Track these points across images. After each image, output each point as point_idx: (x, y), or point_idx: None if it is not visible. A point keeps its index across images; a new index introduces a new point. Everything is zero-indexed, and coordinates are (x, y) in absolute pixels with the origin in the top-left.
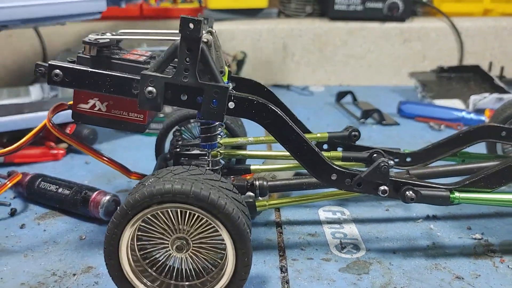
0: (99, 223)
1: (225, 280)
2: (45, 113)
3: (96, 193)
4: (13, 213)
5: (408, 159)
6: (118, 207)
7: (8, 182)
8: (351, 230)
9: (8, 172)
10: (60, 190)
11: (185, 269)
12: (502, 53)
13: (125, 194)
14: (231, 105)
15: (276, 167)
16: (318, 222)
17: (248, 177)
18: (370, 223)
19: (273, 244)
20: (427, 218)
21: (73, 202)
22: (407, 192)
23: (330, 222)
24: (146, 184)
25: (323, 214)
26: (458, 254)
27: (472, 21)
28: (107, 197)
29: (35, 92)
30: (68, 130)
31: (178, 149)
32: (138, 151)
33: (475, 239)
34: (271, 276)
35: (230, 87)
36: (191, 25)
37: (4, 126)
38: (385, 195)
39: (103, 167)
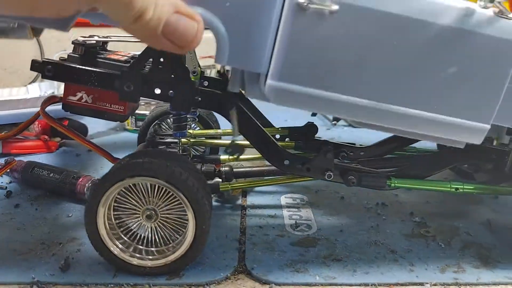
0: (84, 204)
1: (186, 245)
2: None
3: (82, 177)
4: (8, 195)
5: (362, 153)
6: (98, 181)
7: (5, 167)
8: (307, 213)
9: (5, 160)
10: (51, 175)
11: (154, 237)
12: None
13: None
14: (198, 98)
15: (244, 157)
16: (279, 207)
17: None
18: (325, 208)
19: (236, 223)
20: (377, 205)
21: (62, 186)
22: (350, 177)
23: (289, 206)
24: (122, 162)
25: (284, 200)
26: (397, 233)
27: None
28: (92, 180)
29: (33, 90)
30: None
31: (154, 138)
32: (126, 148)
33: (415, 222)
34: (230, 247)
35: (197, 84)
36: None
37: (4, 120)
38: (331, 178)
39: (92, 159)
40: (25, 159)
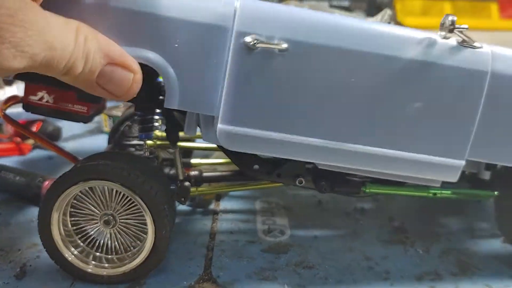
0: None
1: (146, 252)
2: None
3: (48, 180)
4: None
5: None
6: (52, 184)
7: None
8: (281, 218)
9: None
10: (17, 178)
11: (114, 244)
12: None
13: None
14: (162, 98)
15: (215, 161)
16: (253, 211)
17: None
18: (301, 213)
19: (206, 228)
20: (355, 209)
21: (27, 189)
22: (322, 183)
23: (264, 211)
24: (78, 165)
25: (259, 204)
26: (375, 239)
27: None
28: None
29: (11, 92)
30: (34, 127)
31: (120, 139)
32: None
33: (394, 227)
34: (198, 253)
35: (162, 82)
36: None
37: None
38: (302, 184)
39: (65, 162)
40: None
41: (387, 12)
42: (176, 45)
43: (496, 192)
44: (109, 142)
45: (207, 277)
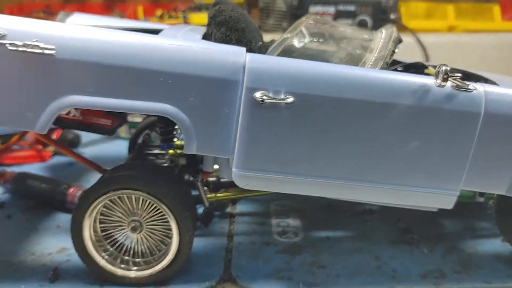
0: None
1: (171, 255)
2: None
3: (73, 187)
4: (1, 205)
5: None
6: (83, 193)
7: None
8: (294, 220)
9: None
10: (43, 185)
11: (141, 248)
12: (465, 65)
13: None
14: None
15: None
16: (268, 214)
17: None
18: (313, 215)
19: (224, 231)
20: (364, 211)
21: (53, 196)
22: None
23: (278, 213)
24: (107, 175)
25: (273, 207)
26: (383, 240)
27: (437, 37)
28: (82, 190)
29: None
30: (54, 135)
31: (142, 149)
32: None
33: (400, 228)
34: (217, 256)
35: None
36: None
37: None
38: None
39: (85, 168)
40: (19, 169)
41: (393, 31)
42: (191, 98)
43: (495, 195)
44: (129, 151)
45: (227, 277)
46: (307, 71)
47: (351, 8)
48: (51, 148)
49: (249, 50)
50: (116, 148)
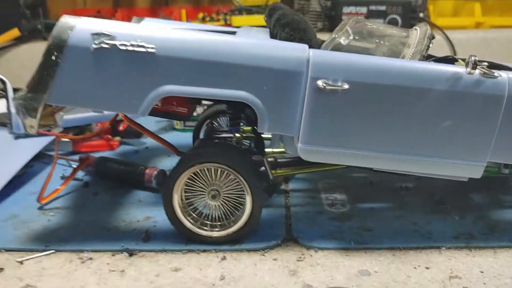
0: (151, 190)
1: (244, 218)
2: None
3: (149, 168)
4: (86, 185)
5: None
6: (174, 167)
7: (83, 162)
8: (341, 195)
9: (79, 157)
10: (121, 167)
11: (218, 213)
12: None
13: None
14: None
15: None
16: (317, 190)
17: None
18: (357, 191)
19: (281, 203)
20: (401, 188)
21: (131, 176)
22: None
23: (325, 190)
24: (191, 152)
25: (321, 185)
26: (419, 210)
27: (465, 33)
28: (157, 171)
29: None
30: (121, 126)
31: (211, 133)
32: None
33: (434, 201)
34: (279, 223)
35: None
36: None
37: (73, 122)
38: None
39: (149, 154)
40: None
41: (428, 28)
42: (265, 87)
43: None
44: (193, 138)
45: (289, 238)
46: (359, 63)
47: (382, 8)
48: (117, 138)
49: (310, 46)
50: (172, 137)
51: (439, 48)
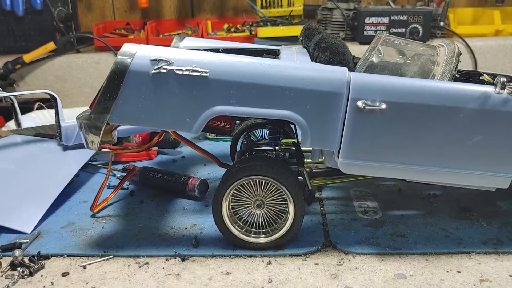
0: (193, 199)
1: (287, 226)
2: None
3: (191, 178)
4: (132, 193)
5: None
6: (221, 180)
7: (130, 173)
8: (372, 202)
9: (123, 166)
10: (165, 177)
11: (263, 221)
12: None
13: (207, 180)
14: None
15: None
16: (349, 198)
17: None
18: (387, 198)
19: (317, 211)
20: (429, 195)
21: (175, 185)
22: None
23: (357, 198)
24: (237, 166)
25: (353, 193)
26: (447, 216)
27: (484, 41)
28: (199, 180)
29: None
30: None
31: (251, 146)
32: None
33: (461, 207)
34: (317, 228)
35: None
36: None
37: (125, 132)
38: None
39: (186, 164)
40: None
41: (455, 46)
42: (308, 106)
43: None
44: (231, 149)
45: (328, 243)
46: (395, 84)
47: (404, 17)
48: (155, 148)
49: (349, 69)
50: (206, 147)
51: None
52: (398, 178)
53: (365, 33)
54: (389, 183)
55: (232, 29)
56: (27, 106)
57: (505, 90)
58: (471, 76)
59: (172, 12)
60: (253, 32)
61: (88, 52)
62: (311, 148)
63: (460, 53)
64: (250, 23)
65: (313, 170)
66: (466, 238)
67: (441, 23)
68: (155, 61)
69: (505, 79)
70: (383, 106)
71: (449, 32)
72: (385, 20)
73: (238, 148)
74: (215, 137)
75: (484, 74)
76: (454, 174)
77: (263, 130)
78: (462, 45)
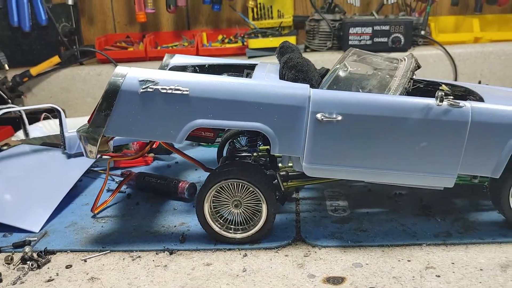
0: (183, 200)
1: (261, 223)
2: None
3: (182, 182)
4: (129, 196)
5: None
6: (204, 183)
7: (127, 177)
8: (343, 202)
9: (121, 172)
10: (158, 181)
11: (239, 219)
12: (490, 73)
13: (197, 183)
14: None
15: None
16: (323, 198)
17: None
18: (357, 198)
19: (292, 209)
20: (395, 194)
21: (167, 188)
22: None
23: (330, 197)
24: (217, 170)
25: (326, 193)
26: (408, 213)
27: (464, 48)
28: (188, 184)
29: None
30: (154, 144)
31: (233, 153)
32: (203, 159)
33: (422, 205)
34: (290, 224)
35: None
36: None
37: (120, 141)
38: None
39: (180, 169)
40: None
41: (412, 61)
42: (275, 118)
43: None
44: (218, 155)
45: (298, 238)
46: (349, 99)
47: (386, 27)
48: (151, 154)
49: (311, 86)
50: (198, 152)
51: (440, 62)
52: (354, 179)
53: (350, 42)
54: (360, 184)
55: (226, 40)
56: (34, 116)
57: (444, 102)
58: (433, 86)
59: (169, 24)
60: (245, 43)
61: (90, 64)
62: None
63: (417, 68)
64: (242, 35)
65: (289, 174)
66: (420, 232)
67: (422, 32)
68: (143, 81)
69: (443, 93)
70: (339, 117)
71: (430, 41)
72: (369, 30)
73: (224, 154)
74: (207, 144)
75: (443, 85)
76: (405, 176)
77: (245, 137)
78: (442, 52)
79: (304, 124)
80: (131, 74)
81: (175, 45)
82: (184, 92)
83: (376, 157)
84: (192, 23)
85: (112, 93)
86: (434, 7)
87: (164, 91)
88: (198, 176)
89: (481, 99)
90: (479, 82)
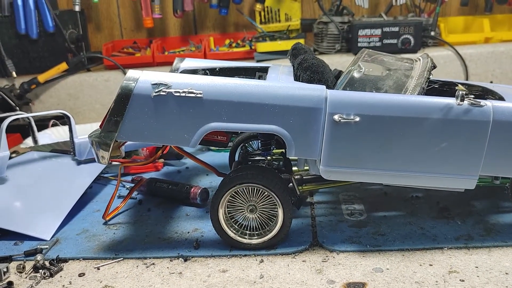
0: (196, 206)
1: (277, 228)
2: None
3: (194, 187)
4: (140, 202)
5: None
6: (218, 188)
7: (138, 183)
8: (359, 205)
9: (132, 178)
10: (170, 186)
11: (255, 224)
12: (501, 73)
13: (209, 188)
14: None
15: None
16: (338, 202)
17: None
18: (373, 201)
19: (308, 214)
20: (411, 197)
21: (179, 194)
22: None
23: (345, 201)
24: (231, 175)
25: (341, 197)
26: (426, 216)
27: (474, 48)
28: (201, 189)
29: None
30: (164, 150)
31: (246, 157)
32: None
33: (440, 207)
34: (306, 229)
35: None
36: None
37: (132, 147)
38: None
39: (190, 174)
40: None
41: (428, 61)
42: (291, 121)
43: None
44: (230, 159)
45: (315, 243)
46: (367, 99)
47: (395, 29)
48: (161, 160)
49: (327, 87)
50: (209, 157)
51: (451, 63)
52: (373, 182)
53: (359, 44)
54: (376, 187)
55: (234, 45)
56: (43, 123)
57: (465, 102)
58: (449, 86)
59: (176, 29)
60: (253, 47)
61: (98, 70)
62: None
63: (433, 67)
64: (250, 39)
65: (304, 177)
66: (440, 235)
67: (432, 33)
68: (155, 85)
69: (464, 92)
70: (357, 119)
71: (440, 41)
72: (378, 31)
73: (236, 159)
74: (217, 148)
75: (459, 85)
76: (425, 178)
77: (258, 141)
78: (452, 53)
79: (321, 126)
80: (144, 78)
81: (182, 50)
82: (198, 95)
83: (395, 158)
84: (199, 27)
85: (125, 97)
86: (443, 8)
87: (178, 94)
88: (210, 181)
89: (501, 98)
90: (491, 82)
